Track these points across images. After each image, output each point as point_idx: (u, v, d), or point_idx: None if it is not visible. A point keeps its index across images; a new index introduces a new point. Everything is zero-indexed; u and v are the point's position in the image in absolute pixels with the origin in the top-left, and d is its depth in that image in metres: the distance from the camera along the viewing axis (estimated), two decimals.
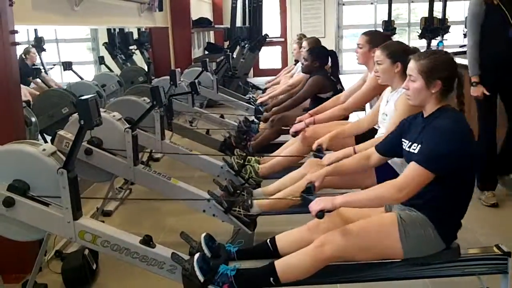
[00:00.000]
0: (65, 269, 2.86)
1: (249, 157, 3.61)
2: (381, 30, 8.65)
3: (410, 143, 2.19)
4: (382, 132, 2.89)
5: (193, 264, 2.12)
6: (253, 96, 6.46)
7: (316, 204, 2.12)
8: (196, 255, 2.17)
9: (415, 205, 2.13)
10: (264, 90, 6.68)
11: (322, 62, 4.54)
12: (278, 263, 2.13)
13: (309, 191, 2.36)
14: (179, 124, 4.82)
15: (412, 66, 2.20)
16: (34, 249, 2.67)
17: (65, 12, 4.20)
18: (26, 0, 3.52)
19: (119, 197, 4.22)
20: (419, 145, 2.11)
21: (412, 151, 2.14)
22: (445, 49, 6.36)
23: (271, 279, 2.11)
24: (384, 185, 2.09)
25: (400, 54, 2.76)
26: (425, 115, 2.20)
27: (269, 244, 2.34)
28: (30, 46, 6.17)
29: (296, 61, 6.75)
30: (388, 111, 2.84)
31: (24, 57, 5.77)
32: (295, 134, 3.61)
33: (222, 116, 5.35)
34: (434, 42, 9.80)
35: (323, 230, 2.22)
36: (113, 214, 3.94)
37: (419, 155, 2.07)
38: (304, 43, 5.31)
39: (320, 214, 2.11)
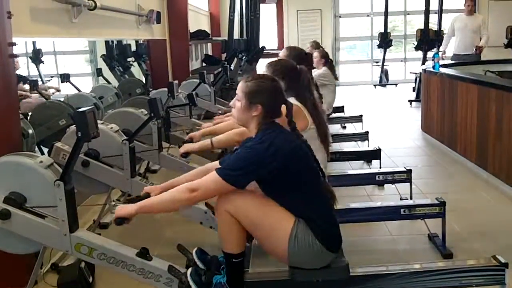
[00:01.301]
0: (61, 282, 2.85)
1: None
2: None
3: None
4: None
5: (187, 279, 2.13)
6: None
7: (117, 212, 2.17)
8: (190, 269, 2.19)
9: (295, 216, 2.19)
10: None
11: None
12: (222, 247, 2.23)
13: (132, 201, 2.34)
14: (176, 135, 4.82)
15: (239, 85, 2.27)
16: (30, 262, 2.64)
17: (64, 25, 4.21)
18: (24, 12, 3.53)
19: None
20: None
21: None
22: (441, 61, 6.41)
23: (233, 259, 2.20)
24: (179, 187, 2.17)
25: (285, 74, 2.86)
26: (252, 136, 2.26)
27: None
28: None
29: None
30: None
31: None
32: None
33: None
34: (430, 54, 9.87)
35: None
36: (110, 226, 3.92)
37: (222, 165, 2.17)
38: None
39: (119, 220, 2.14)
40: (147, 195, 2.34)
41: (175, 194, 2.15)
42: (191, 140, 3.36)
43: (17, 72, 5.84)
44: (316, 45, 6.86)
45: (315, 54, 6.57)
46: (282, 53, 3.98)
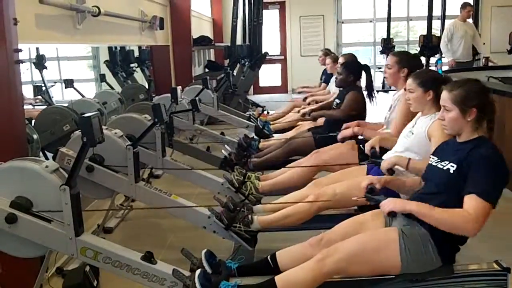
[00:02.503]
0: (66, 286, 2.87)
1: (249, 173, 3.63)
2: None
3: (439, 160, 2.25)
4: (398, 148, 2.95)
5: (194, 281, 2.13)
6: (253, 114, 6.49)
7: (388, 204, 2.17)
8: (197, 272, 2.18)
9: (419, 220, 2.15)
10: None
11: (356, 77, 4.57)
12: (279, 278, 2.14)
13: (373, 192, 2.40)
14: (179, 141, 4.84)
15: (445, 97, 2.25)
16: (36, 266, 2.67)
17: (68, 31, 4.24)
18: (29, 19, 3.56)
19: (120, 214, 4.23)
20: (457, 166, 2.15)
21: (441, 167, 2.21)
22: (443, 67, 6.42)
23: None
24: (459, 213, 2.07)
25: (432, 82, 2.81)
26: (459, 140, 2.25)
27: (270, 260, 2.35)
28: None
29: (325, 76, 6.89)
30: (416, 131, 2.88)
31: None
32: (343, 140, 3.64)
33: (222, 133, 5.37)
34: (432, 60, 9.87)
35: (324, 246, 2.23)
36: (114, 230, 3.94)
37: (480, 188, 2.06)
38: (341, 59, 5.40)
39: (393, 213, 2.17)
40: (373, 186, 2.42)
41: (458, 223, 2.05)
42: (375, 153, 3.02)
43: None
44: (327, 52, 6.93)
45: (328, 60, 6.62)
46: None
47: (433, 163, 2.27)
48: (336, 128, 3.91)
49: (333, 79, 5.99)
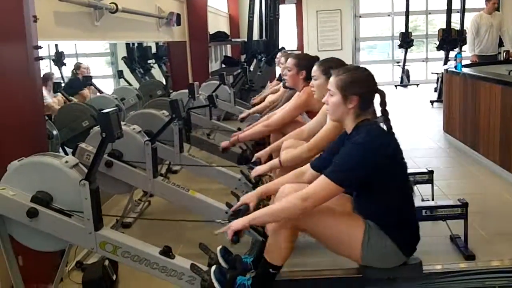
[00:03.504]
0: (85, 280, 2.89)
1: None
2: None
3: None
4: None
5: (210, 277, 2.15)
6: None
7: (229, 232, 2.14)
8: (213, 267, 2.21)
9: (372, 219, 2.17)
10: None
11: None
12: (265, 252, 2.22)
13: (238, 214, 2.32)
14: (197, 136, 4.86)
15: (331, 80, 2.25)
16: (56, 260, 2.70)
17: (86, 28, 4.28)
18: (49, 16, 3.60)
19: (138, 209, 4.27)
20: None
21: None
22: (463, 61, 6.34)
23: (270, 269, 2.19)
24: (290, 196, 2.13)
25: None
26: (348, 132, 2.25)
27: None
28: (79, 61, 6.42)
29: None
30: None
31: (75, 72, 6.15)
32: (224, 150, 3.78)
33: (239, 129, 5.37)
34: (452, 54, 9.76)
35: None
36: (133, 225, 3.97)
37: (329, 167, 2.10)
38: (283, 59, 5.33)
39: (236, 238, 2.13)
40: (246, 206, 2.37)
41: (286, 205, 2.10)
42: (259, 161, 3.30)
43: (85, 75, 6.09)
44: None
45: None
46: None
47: None
48: None
49: None
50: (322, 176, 2.08)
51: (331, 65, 2.92)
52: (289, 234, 2.18)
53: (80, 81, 5.91)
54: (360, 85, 2.19)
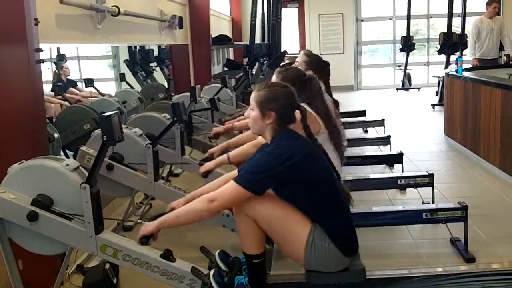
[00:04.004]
0: (86, 283, 2.89)
1: None
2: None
3: None
4: None
5: (210, 280, 2.16)
6: None
7: (140, 231, 2.21)
8: (212, 271, 2.22)
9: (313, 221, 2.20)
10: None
11: None
12: (241, 247, 2.28)
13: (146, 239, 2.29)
14: (198, 139, 4.86)
15: (252, 95, 2.29)
16: (56, 263, 2.70)
17: (88, 30, 4.29)
18: (50, 19, 3.61)
19: (139, 212, 4.27)
20: None
21: None
22: (464, 64, 6.34)
23: (253, 260, 2.24)
24: (198, 199, 2.20)
25: (295, 82, 2.83)
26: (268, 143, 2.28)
27: None
28: (60, 61, 6.35)
29: None
30: None
31: (58, 72, 6.04)
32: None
33: (241, 132, 5.37)
34: (453, 57, 9.76)
35: None
36: (134, 229, 3.97)
37: (238, 176, 2.16)
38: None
39: (144, 240, 2.20)
40: (172, 210, 2.37)
41: (194, 206, 2.18)
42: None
43: (68, 77, 6.06)
44: None
45: None
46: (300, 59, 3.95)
47: None
48: None
49: None
50: (231, 181, 2.14)
51: (289, 76, 2.98)
52: (248, 221, 2.21)
53: (65, 82, 5.89)
54: (277, 102, 2.23)
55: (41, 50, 2.95)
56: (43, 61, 3.00)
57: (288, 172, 2.12)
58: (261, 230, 2.22)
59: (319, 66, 4.19)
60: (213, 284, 2.15)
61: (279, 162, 2.11)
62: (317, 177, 2.18)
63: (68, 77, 6.21)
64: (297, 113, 2.28)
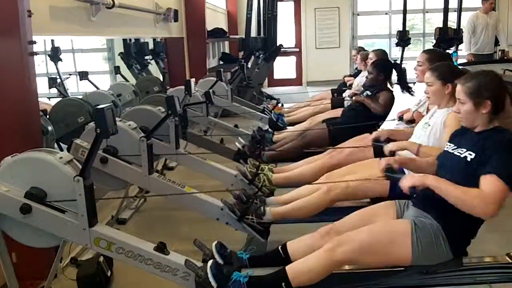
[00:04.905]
0: (80, 276, 2.89)
1: (262, 165, 3.62)
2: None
3: (456, 147, 2.22)
4: (415, 140, 2.90)
5: (206, 271, 2.14)
6: (267, 106, 6.48)
7: (408, 180, 2.15)
8: (210, 262, 2.19)
9: (433, 212, 2.15)
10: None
11: (386, 76, 4.53)
12: (290, 268, 2.15)
13: (391, 170, 2.33)
14: (193, 133, 4.85)
15: (459, 89, 2.23)
16: (50, 256, 2.70)
17: (82, 23, 4.26)
18: (44, 11, 3.58)
19: (133, 206, 4.26)
20: (476, 154, 2.11)
21: (458, 154, 2.17)
22: (458, 59, 6.34)
23: (283, 283, 2.12)
24: (477, 192, 2.04)
25: (450, 75, 2.77)
26: (477, 130, 2.20)
27: (281, 251, 2.36)
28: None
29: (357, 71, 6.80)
30: (432, 123, 2.85)
31: None
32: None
33: (236, 126, 5.37)
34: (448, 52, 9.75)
35: (334, 236, 2.23)
36: (128, 222, 3.97)
37: (500, 170, 2.02)
38: (371, 55, 5.34)
39: (412, 190, 2.13)
40: (390, 166, 2.33)
41: (473, 203, 2.02)
42: (379, 139, 3.13)
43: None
44: (359, 49, 6.82)
45: (358, 58, 6.47)
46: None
47: (450, 150, 2.24)
48: (354, 120, 3.89)
49: (361, 74, 5.95)
50: (495, 179, 2.01)
51: (445, 70, 2.86)
52: (330, 265, 2.12)
53: None
54: (490, 89, 2.17)
55: (35, 42, 2.93)
56: (36, 53, 2.98)
57: None
58: (322, 277, 2.13)
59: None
60: (209, 276, 2.12)
61: None
62: None
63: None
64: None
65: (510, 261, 2.17)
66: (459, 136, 2.30)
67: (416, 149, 2.70)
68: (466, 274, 2.15)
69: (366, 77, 4.83)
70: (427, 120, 2.93)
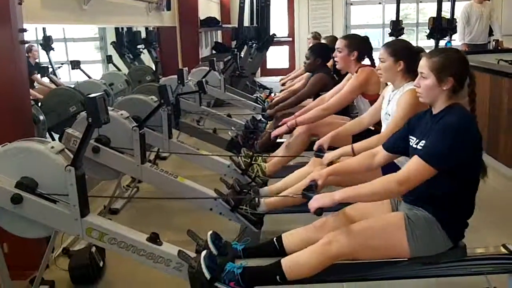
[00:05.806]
0: (72, 266, 2.88)
1: (256, 156, 3.61)
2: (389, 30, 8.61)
3: (418, 140, 2.18)
4: (382, 131, 2.88)
5: (200, 262, 2.12)
6: (260, 96, 6.46)
7: (315, 202, 2.12)
8: (203, 253, 2.17)
9: (423, 204, 2.13)
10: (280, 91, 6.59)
11: (323, 60, 4.50)
12: (285, 261, 2.13)
13: (310, 189, 2.29)
14: (186, 123, 4.83)
15: (423, 63, 2.18)
16: (42, 246, 2.68)
17: (74, 11, 4.22)
18: None
19: (126, 196, 4.24)
20: (425, 141, 2.10)
21: (419, 147, 2.13)
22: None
23: (278, 277, 2.11)
24: (384, 178, 2.08)
25: (404, 53, 2.77)
26: (434, 112, 2.18)
27: (276, 242, 2.34)
28: (32, 43, 6.23)
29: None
30: (391, 111, 2.83)
31: (26, 55, 5.85)
32: (275, 139, 3.63)
33: (229, 115, 5.35)
34: (442, 42, 9.73)
35: (330, 229, 2.22)
36: (120, 212, 3.95)
37: (423, 150, 2.07)
38: (316, 41, 5.33)
39: (319, 211, 2.10)
40: (315, 183, 2.31)
41: (380, 188, 2.05)
42: (322, 149, 3.07)
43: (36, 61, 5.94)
44: (316, 36, 6.74)
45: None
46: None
47: (413, 145, 2.22)
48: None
49: None
50: (417, 159, 2.03)
51: (399, 47, 2.86)
52: (325, 260, 2.11)
53: (32, 65, 5.78)
54: (455, 67, 2.14)
55: (25, 30, 2.89)
56: (27, 42, 2.95)
57: (468, 153, 2.05)
58: (316, 272, 2.11)
59: None
60: (203, 266, 2.10)
61: (465, 142, 2.03)
62: (478, 161, 2.14)
63: (37, 61, 6.10)
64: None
65: (506, 252, 2.17)
66: (416, 126, 2.25)
67: (351, 151, 2.71)
68: (462, 265, 2.15)
69: (304, 64, 4.80)
70: (386, 109, 2.91)
